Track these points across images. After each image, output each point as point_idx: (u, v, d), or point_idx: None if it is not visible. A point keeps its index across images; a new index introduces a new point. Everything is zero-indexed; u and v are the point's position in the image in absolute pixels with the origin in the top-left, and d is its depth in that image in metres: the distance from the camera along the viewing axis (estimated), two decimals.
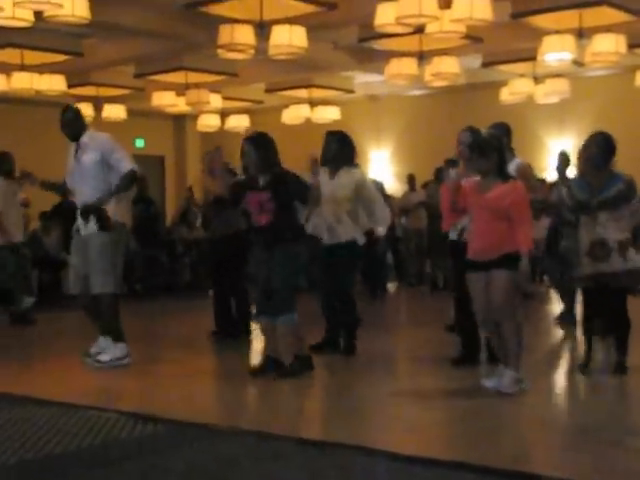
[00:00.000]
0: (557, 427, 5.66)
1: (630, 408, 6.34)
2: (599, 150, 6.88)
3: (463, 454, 4.86)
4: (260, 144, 7.13)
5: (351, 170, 8.14)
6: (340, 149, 8.11)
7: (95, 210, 7.50)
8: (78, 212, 7.63)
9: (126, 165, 7.56)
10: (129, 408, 6.10)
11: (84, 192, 7.63)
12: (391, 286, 15.45)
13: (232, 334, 9.07)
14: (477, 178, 6.43)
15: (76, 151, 7.74)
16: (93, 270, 7.50)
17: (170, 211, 18.83)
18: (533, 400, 6.24)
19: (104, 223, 7.47)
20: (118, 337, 7.67)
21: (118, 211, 7.63)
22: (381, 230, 7.87)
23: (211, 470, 4.75)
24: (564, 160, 7.83)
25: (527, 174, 7.62)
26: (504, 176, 6.36)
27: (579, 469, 4.62)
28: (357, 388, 6.89)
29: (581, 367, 7.08)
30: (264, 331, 7.21)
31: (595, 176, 6.87)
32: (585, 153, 6.98)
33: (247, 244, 7.88)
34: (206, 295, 11.19)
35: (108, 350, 7.66)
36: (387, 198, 14.09)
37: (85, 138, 7.71)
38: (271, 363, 7.14)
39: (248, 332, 9.14)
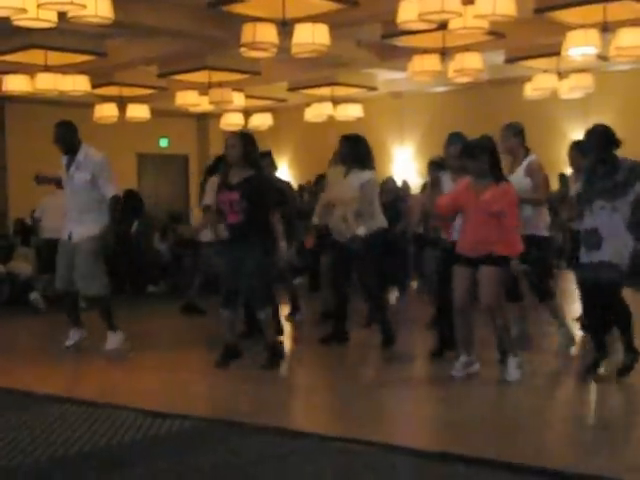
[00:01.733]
0: (579, 422, 5.65)
1: None
2: (594, 142, 6.73)
3: (489, 450, 4.85)
4: (248, 141, 7.39)
5: (362, 172, 8.25)
6: (352, 150, 8.30)
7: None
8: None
9: (110, 190, 8.18)
10: (156, 406, 6.13)
11: (74, 204, 8.29)
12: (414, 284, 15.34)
13: (245, 334, 9.00)
14: (468, 178, 6.69)
15: (69, 164, 8.19)
16: (85, 274, 8.17)
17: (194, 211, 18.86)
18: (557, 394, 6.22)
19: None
20: (114, 327, 8.42)
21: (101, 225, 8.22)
22: (361, 230, 8.17)
23: (239, 467, 4.76)
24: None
25: (533, 172, 7.70)
26: (497, 177, 6.59)
27: (602, 465, 4.61)
28: (378, 385, 6.93)
29: (588, 369, 6.78)
30: (227, 323, 7.55)
31: (594, 168, 6.72)
32: (583, 146, 7.00)
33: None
34: None
35: (110, 340, 8.36)
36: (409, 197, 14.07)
37: (81, 156, 8.17)
38: (230, 352, 7.55)
39: (260, 330, 9.10)
